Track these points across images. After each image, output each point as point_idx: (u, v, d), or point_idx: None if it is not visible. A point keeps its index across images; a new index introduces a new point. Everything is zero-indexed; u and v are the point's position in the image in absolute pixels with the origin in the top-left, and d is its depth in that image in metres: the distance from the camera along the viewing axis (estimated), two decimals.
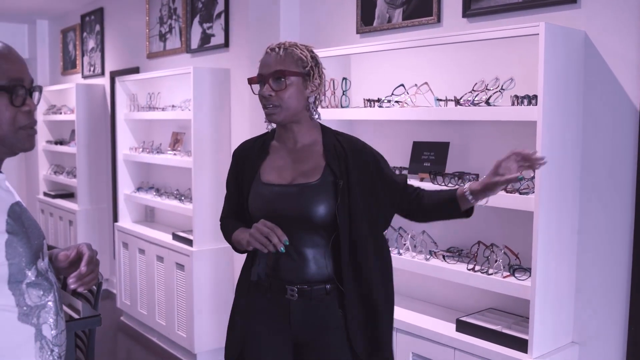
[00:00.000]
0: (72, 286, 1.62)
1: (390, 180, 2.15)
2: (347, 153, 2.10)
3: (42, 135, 7.55)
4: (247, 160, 2.18)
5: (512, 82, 2.65)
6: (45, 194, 7.37)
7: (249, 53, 4.17)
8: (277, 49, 2.05)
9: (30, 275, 1.54)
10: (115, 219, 6.22)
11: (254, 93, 2.15)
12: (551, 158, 2.43)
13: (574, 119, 2.55)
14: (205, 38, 4.80)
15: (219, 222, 2.30)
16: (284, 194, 2.06)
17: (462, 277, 2.73)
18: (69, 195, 7.19)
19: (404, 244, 3.07)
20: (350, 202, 2.04)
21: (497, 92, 2.67)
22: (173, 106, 4.90)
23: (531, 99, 2.52)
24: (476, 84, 2.79)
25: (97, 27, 6.69)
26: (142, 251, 5.07)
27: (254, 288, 2.16)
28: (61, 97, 7.45)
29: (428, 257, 2.93)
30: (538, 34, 2.38)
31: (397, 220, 3.26)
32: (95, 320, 2.78)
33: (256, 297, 2.15)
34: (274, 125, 2.16)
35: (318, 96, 2.14)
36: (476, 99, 2.73)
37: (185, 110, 4.62)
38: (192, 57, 4.99)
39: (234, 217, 2.23)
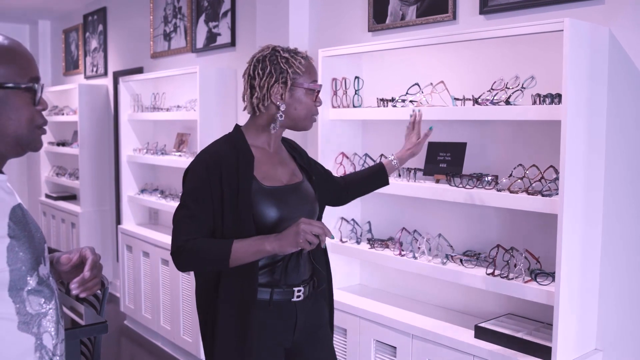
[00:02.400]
0: (75, 292, 1.56)
1: (323, 173, 2.39)
2: (299, 152, 2.29)
3: (44, 137, 7.45)
4: (228, 168, 2.01)
5: (533, 81, 2.57)
6: (47, 196, 7.29)
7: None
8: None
9: (32, 282, 1.47)
10: (118, 221, 6.13)
11: (315, 101, 2.15)
12: (575, 159, 2.35)
13: (598, 118, 2.46)
14: (211, 37, 4.71)
15: (182, 245, 1.97)
16: (290, 195, 2.10)
17: (481, 282, 2.64)
18: (72, 197, 7.10)
19: (419, 248, 2.98)
20: (320, 186, 2.28)
21: (517, 90, 2.59)
22: (178, 106, 4.81)
23: (554, 98, 2.43)
24: (495, 82, 2.70)
25: (100, 27, 6.61)
26: (146, 254, 4.98)
27: (256, 305, 2.03)
28: (63, 98, 7.37)
29: (445, 261, 2.84)
30: (562, 30, 2.29)
31: (412, 223, 3.20)
32: (101, 327, 2.70)
33: (260, 315, 2.04)
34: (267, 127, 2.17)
35: None
36: (495, 98, 2.64)
37: (191, 111, 4.53)
38: (197, 57, 4.91)
39: (206, 236, 2.00)
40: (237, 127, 2.18)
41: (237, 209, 1.98)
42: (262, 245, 1.93)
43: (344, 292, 3.36)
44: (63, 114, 6.96)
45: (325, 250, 2.24)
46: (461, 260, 2.79)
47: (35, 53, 8.15)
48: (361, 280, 3.54)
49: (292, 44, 3.76)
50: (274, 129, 2.12)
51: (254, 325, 2.01)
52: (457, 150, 2.90)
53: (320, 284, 2.21)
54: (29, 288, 1.46)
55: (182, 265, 2.02)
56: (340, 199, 2.52)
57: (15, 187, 8.73)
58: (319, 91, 2.13)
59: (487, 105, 2.65)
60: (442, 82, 2.90)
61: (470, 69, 2.93)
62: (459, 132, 2.97)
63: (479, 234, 2.93)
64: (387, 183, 2.55)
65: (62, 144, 7.04)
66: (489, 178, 2.69)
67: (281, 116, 2.09)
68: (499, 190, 2.61)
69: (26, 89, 1.44)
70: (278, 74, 2.06)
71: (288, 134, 2.35)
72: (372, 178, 2.50)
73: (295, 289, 2.08)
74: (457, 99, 2.82)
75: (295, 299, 2.08)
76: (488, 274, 2.63)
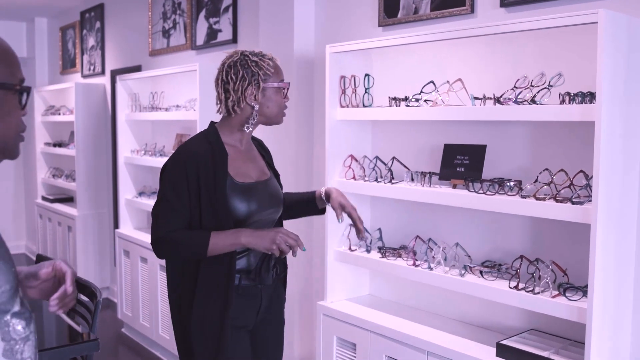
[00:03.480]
0: (54, 309, 1.45)
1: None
2: (266, 151, 2.49)
3: (41, 137, 7.28)
4: (204, 164, 2.17)
5: (561, 78, 2.36)
6: (44, 198, 7.09)
7: (259, 50, 3.88)
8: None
9: (16, 304, 1.33)
10: (116, 225, 5.93)
11: (284, 98, 2.32)
12: (611, 163, 2.14)
13: (634, 119, 2.25)
14: (212, 34, 4.51)
15: (162, 236, 2.16)
16: (260, 191, 2.27)
17: (504, 296, 2.43)
18: (68, 199, 6.90)
19: (434, 257, 2.77)
20: (280, 186, 2.45)
21: (544, 89, 2.38)
22: (177, 106, 4.60)
23: (585, 97, 2.23)
24: (518, 80, 2.49)
25: (97, 24, 6.41)
26: (144, 260, 4.77)
27: (230, 291, 2.19)
28: (60, 98, 7.17)
29: (463, 272, 2.64)
30: (596, 23, 2.09)
31: (427, 231, 2.99)
32: (92, 345, 2.51)
33: (231, 299, 2.19)
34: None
35: None
36: (519, 97, 2.44)
37: (191, 111, 4.33)
38: (197, 54, 4.70)
39: (185, 228, 2.18)
40: (212, 124, 2.33)
41: (213, 203, 2.15)
42: (238, 239, 2.13)
43: (353, 304, 3.16)
44: (60, 114, 6.76)
45: None
46: (481, 272, 2.58)
47: (31, 51, 7.97)
48: (371, 290, 3.34)
49: (297, 39, 3.57)
50: (248, 128, 2.29)
51: (230, 309, 2.17)
52: (476, 154, 2.70)
53: (282, 271, 2.43)
54: (14, 310, 1.33)
55: (162, 254, 2.21)
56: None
57: (11, 189, 8.58)
58: (287, 88, 2.32)
59: (509, 104, 2.44)
60: (459, 79, 2.70)
61: (490, 65, 2.72)
62: (477, 133, 2.77)
63: (500, 244, 2.73)
64: (319, 212, 2.58)
65: (59, 144, 6.85)
66: (512, 184, 2.48)
67: (256, 115, 2.26)
68: (523, 197, 2.40)
69: (15, 92, 1.32)
70: (250, 77, 2.23)
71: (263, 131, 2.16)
72: (304, 202, 2.54)
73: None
74: (477, 98, 2.61)
75: (260, 284, 2.28)
76: (511, 288, 2.43)
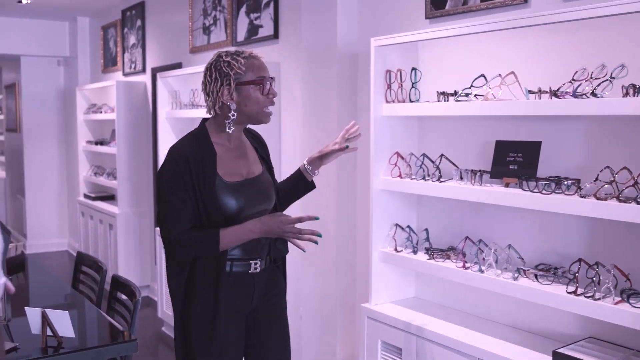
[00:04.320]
0: None
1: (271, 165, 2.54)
2: (258, 140, 2.51)
3: (82, 135, 7.32)
4: (198, 164, 2.22)
5: (624, 70, 2.21)
6: (86, 196, 7.12)
7: (301, 45, 3.80)
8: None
9: None
10: (156, 223, 5.91)
11: (263, 94, 2.28)
12: None
13: None
14: (253, 29, 4.43)
15: (174, 239, 2.21)
16: (249, 188, 2.31)
17: (562, 302, 2.29)
18: (110, 197, 6.92)
19: (484, 259, 2.64)
20: (273, 179, 2.48)
21: (605, 81, 2.23)
22: None
23: None
24: (576, 72, 2.35)
25: (138, 22, 6.40)
26: None
27: (222, 280, 2.24)
28: (102, 96, 7.19)
29: (516, 275, 2.50)
30: None
31: (476, 232, 2.86)
32: (131, 345, 2.44)
33: (224, 287, 2.24)
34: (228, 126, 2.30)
35: None
36: (577, 90, 2.29)
37: None
38: None
39: (193, 227, 2.24)
40: (202, 123, 2.36)
41: (204, 201, 2.21)
42: (249, 234, 2.23)
43: (398, 307, 3.04)
44: (101, 112, 6.78)
45: None
46: (536, 276, 2.45)
47: (74, 50, 8.02)
48: (417, 293, 3.22)
49: (340, 33, 3.47)
50: (230, 129, 2.28)
51: (222, 295, 2.23)
52: (530, 150, 2.56)
53: (276, 260, 2.46)
54: None
55: (178, 256, 2.25)
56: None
57: (55, 187, 8.66)
58: (269, 84, 2.28)
59: (567, 98, 2.30)
60: (512, 73, 2.56)
61: (546, 58, 2.58)
62: (532, 129, 2.63)
63: (555, 246, 2.58)
64: (310, 186, 2.56)
65: (100, 142, 6.87)
66: (569, 182, 2.34)
67: (233, 115, 2.26)
68: (582, 197, 2.26)
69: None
70: (222, 77, 2.24)
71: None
72: (292, 184, 2.55)
73: (252, 262, 2.31)
74: (532, 92, 2.47)
75: (252, 270, 2.32)
76: (569, 293, 2.28)
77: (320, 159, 2.50)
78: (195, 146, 2.26)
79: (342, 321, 3.63)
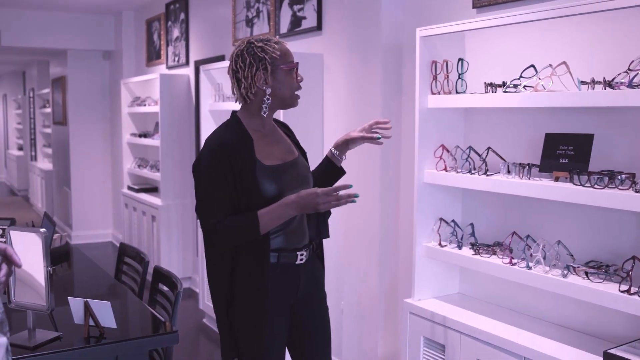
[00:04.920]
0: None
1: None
2: (289, 130, 2.54)
3: (127, 128, 7.40)
4: (235, 150, 2.22)
5: None
6: (129, 188, 7.20)
7: (345, 36, 3.75)
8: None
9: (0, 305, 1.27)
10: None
11: (297, 79, 2.34)
12: None
13: None
14: (296, 21, 4.40)
15: (214, 227, 2.20)
16: (288, 170, 2.32)
17: (614, 301, 2.20)
18: (153, 189, 6.98)
19: (532, 255, 2.56)
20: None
21: None
22: None
23: None
24: (633, 61, 2.25)
25: (182, 16, 6.43)
26: None
27: (267, 272, 2.24)
28: (146, 89, 7.26)
29: (565, 272, 2.42)
30: None
31: (523, 227, 2.77)
32: (172, 337, 2.44)
33: (269, 279, 2.25)
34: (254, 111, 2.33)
35: None
36: (634, 80, 2.20)
37: None
38: None
39: (229, 213, 2.22)
40: (233, 114, 2.37)
41: (246, 187, 2.21)
42: (286, 212, 2.19)
43: (442, 302, 2.98)
44: (145, 105, 6.84)
45: (326, 218, 2.46)
46: (586, 274, 2.36)
47: (119, 44, 8.11)
48: (460, 289, 3.15)
49: (384, 23, 3.42)
50: (265, 112, 2.31)
51: (268, 286, 2.23)
52: (581, 143, 2.46)
53: (317, 247, 2.48)
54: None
55: (218, 244, 2.25)
56: None
57: (100, 178, 8.79)
58: (297, 68, 2.33)
59: (622, 89, 2.21)
60: (564, 63, 2.47)
61: (599, 47, 2.48)
62: (583, 121, 2.53)
63: (607, 243, 2.49)
64: (340, 172, 2.56)
65: (144, 135, 6.93)
66: (623, 176, 2.25)
67: (268, 99, 2.29)
68: (637, 192, 2.16)
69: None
70: (258, 62, 2.26)
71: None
72: (322, 172, 2.54)
73: (299, 253, 2.32)
74: (584, 83, 2.38)
75: (298, 261, 2.33)
76: (622, 292, 2.20)
77: (346, 144, 2.49)
78: (232, 134, 2.27)
79: (384, 316, 3.58)
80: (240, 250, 2.25)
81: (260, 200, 2.22)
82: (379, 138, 2.43)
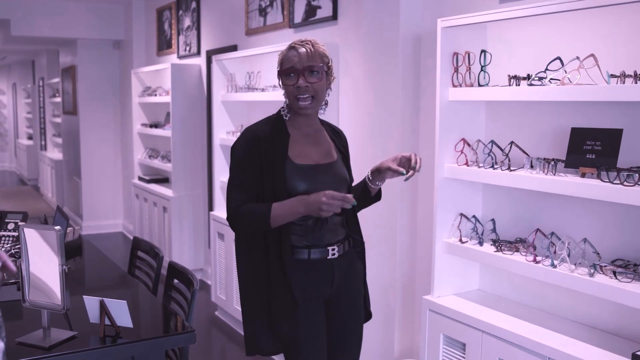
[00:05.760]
0: None
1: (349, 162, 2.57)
2: (338, 135, 2.55)
3: (137, 118, 7.35)
4: (268, 144, 2.29)
5: None
6: (140, 179, 7.16)
7: (361, 27, 3.67)
8: (306, 45, 2.32)
9: None
10: (210, 207, 5.89)
11: (281, 86, 2.34)
12: None
13: None
14: (310, 11, 4.32)
15: (234, 211, 2.29)
16: (321, 173, 2.35)
17: None
18: (164, 180, 6.94)
19: (558, 254, 2.49)
20: (349, 172, 2.52)
21: None
22: (274, 86, 4.46)
23: None
24: None
25: (193, 4, 6.35)
26: None
27: (294, 265, 2.31)
28: (157, 79, 7.20)
29: (592, 271, 2.35)
30: None
31: (547, 224, 2.71)
32: (189, 337, 2.39)
33: (300, 273, 2.32)
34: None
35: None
36: None
37: None
38: (295, 33, 4.53)
39: (254, 202, 2.30)
40: (281, 109, 2.40)
41: (273, 182, 2.28)
42: (296, 208, 2.23)
43: (462, 299, 2.92)
44: (156, 95, 6.79)
45: (356, 218, 2.50)
46: (614, 273, 2.29)
47: (129, 33, 8.04)
48: (480, 286, 3.09)
49: (403, 13, 3.34)
50: (286, 115, 2.37)
51: (295, 280, 2.29)
52: (610, 139, 2.39)
53: (356, 245, 2.50)
54: None
55: (235, 228, 2.33)
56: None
57: (110, 169, 8.76)
58: (293, 76, 2.29)
59: None
60: (592, 55, 2.39)
61: (629, 38, 2.40)
62: (612, 116, 2.46)
63: (635, 241, 2.42)
64: (373, 199, 2.57)
65: (155, 125, 6.88)
66: None
67: (286, 101, 2.37)
68: None
69: None
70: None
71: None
72: (360, 193, 2.51)
73: (329, 248, 2.36)
74: (614, 76, 2.31)
75: (330, 256, 2.36)
76: None
77: (378, 171, 2.44)
78: (269, 128, 2.34)
79: (401, 313, 3.52)
80: (271, 243, 2.31)
81: (285, 197, 2.26)
82: (403, 174, 2.34)
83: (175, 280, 2.98)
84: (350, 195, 2.19)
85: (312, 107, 2.34)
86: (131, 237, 7.80)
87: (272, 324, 2.33)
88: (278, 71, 2.34)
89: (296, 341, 2.33)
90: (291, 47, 2.33)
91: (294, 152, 2.33)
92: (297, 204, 2.23)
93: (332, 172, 2.39)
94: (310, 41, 2.35)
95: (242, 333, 4.77)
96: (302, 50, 2.30)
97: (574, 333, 2.51)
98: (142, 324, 2.62)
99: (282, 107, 2.39)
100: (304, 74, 2.28)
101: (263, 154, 2.28)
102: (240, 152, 2.33)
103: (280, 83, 2.34)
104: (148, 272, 3.35)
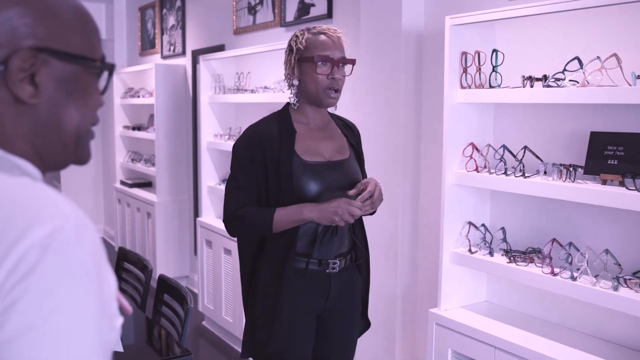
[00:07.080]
0: None
1: (363, 156, 2.42)
2: (350, 129, 2.38)
3: (119, 120, 7.13)
4: (271, 143, 2.16)
5: None
6: (122, 183, 6.94)
7: (357, 25, 3.51)
8: (338, 33, 2.18)
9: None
10: (197, 213, 5.69)
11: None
12: None
13: None
14: (304, 8, 4.15)
15: (231, 214, 2.18)
16: (331, 171, 2.20)
17: None
18: (147, 184, 6.72)
19: (578, 266, 2.35)
20: (362, 170, 2.35)
21: None
22: (265, 87, 4.28)
23: None
24: None
25: (178, 3, 6.15)
26: (228, 252, 4.49)
27: (291, 273, 2.18)
28: (139, 79, 6.99)
29: (616, 284, 2.21)
30: None
31: (562, 233, 2.56)
32: None
33: (295, 282, 2.18)
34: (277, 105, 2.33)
35: None
36: None
37: (279, 92, 4.00)
38: (287, 32, 4.35)
39: (254, 205, 2.17)
40: (287, 104, 2.28)
41: (278, 181, 2.13)
42: (301, 214, 2.09)
43: (470, 313, 2.77)
44: (139, 96, 6.57)
45: (362, 227, 2.37)
46: None
47: (111, 33, 7.81)
48: (488, 297, 2.94)
49: (405, 10, 3.17)
50: (295, 105, 2.23)
51: (286, 291, 2.16)
52: (634, 144, 2.25)
53: (358, 258, 2.34)
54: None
55: (233, 232, 2.22)
56: None
57: (91, 172, 8.51)
58: (330, 65, 2.14)
59: None
60: (614, 55, 2.25)
61: None
62: (632, 119, 2.32)
63: None
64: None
65: (138, 128, 6.66)
66: None
67: (296, 91, 2.20)
68: None
69: (94, 71, 0.95)
70: (289, 52, 2.20)
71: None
72: None
73: (331, 261, 2.21)
74: (639, 77, 2.16)
75: (330, 270, 2.22)
76: None
77: None
78: (274, 125, 2.21)
79: (402, 325, 3.36)
80: (270, 244, 2.22)
81: (292, 197, 2.13)
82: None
83: (166, 296, 2.79)
84: (367, 202, 2.10)
85: (336, 103, 2.23)
86: (113, 243, 7.57)
87: (253, 328, 2.25)
88: (298, 57, 2.17)
89: (274, 352, 2.20)
90: (321, 32, 2.17)
91: (301, 149, 2.19)
92: (304, 208, 2.10)
93: (344, 171, 2.24)
94: (337, 30, 2.21)
95: (233, 346, 4.60)
96: (337, 39, 2.18)
97: (592, 349, 2.37)
98: (135, 348, 2.43)
99: (290, 96, 2.24)
100: (338, 65, 2.16)
101: (267, 151, 2.15)
102: (241, 151, 2.20)
103: (300, 70, 2.17)
104: (136, 286, 3.15)
